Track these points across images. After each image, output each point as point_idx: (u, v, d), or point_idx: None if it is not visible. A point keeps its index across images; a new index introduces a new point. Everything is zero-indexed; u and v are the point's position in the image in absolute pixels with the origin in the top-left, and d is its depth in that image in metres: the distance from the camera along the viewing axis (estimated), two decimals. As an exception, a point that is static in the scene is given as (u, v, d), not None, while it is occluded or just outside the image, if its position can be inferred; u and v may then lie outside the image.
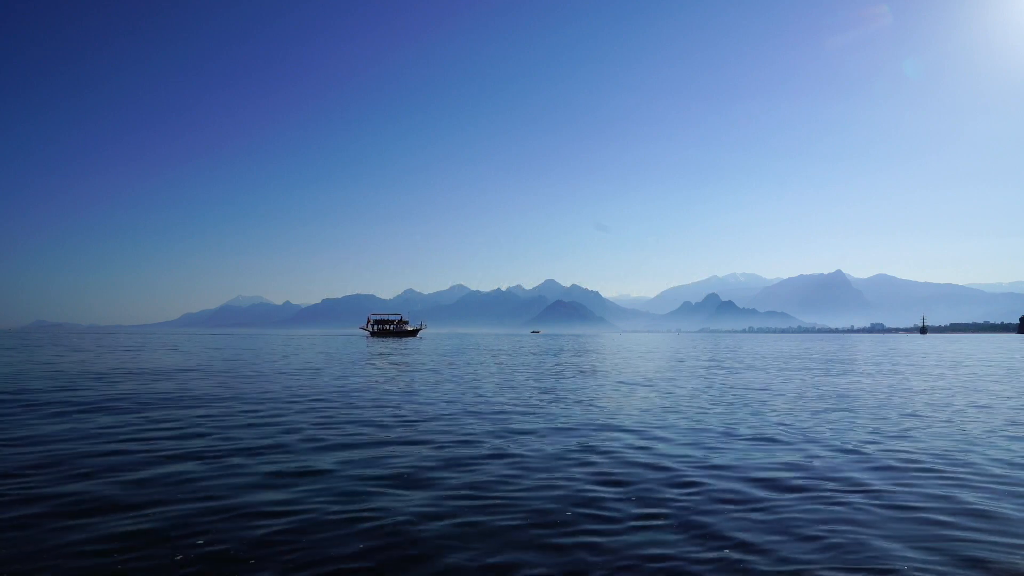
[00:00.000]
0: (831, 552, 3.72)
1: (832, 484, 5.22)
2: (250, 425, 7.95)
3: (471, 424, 8.26)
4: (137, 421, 8.21)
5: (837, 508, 4.58)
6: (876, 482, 5.32)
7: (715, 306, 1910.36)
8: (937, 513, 4.49)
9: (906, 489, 5.11)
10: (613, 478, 5.38)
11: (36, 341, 52.74)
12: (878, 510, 4.54)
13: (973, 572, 3.49)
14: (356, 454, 6.26)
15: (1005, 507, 4.64)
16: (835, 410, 9.97)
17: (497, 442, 6.94)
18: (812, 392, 12.94)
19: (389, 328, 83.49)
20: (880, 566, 3.52)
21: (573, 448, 6.64)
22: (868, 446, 6.87)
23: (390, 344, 47.25)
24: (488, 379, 15.75)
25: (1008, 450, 6.75)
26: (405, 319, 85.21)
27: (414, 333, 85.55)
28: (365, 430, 7.69)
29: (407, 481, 5.20)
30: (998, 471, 5.77)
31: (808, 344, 59.42)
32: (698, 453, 6.44)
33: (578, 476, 5.42)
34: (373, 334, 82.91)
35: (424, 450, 6.51)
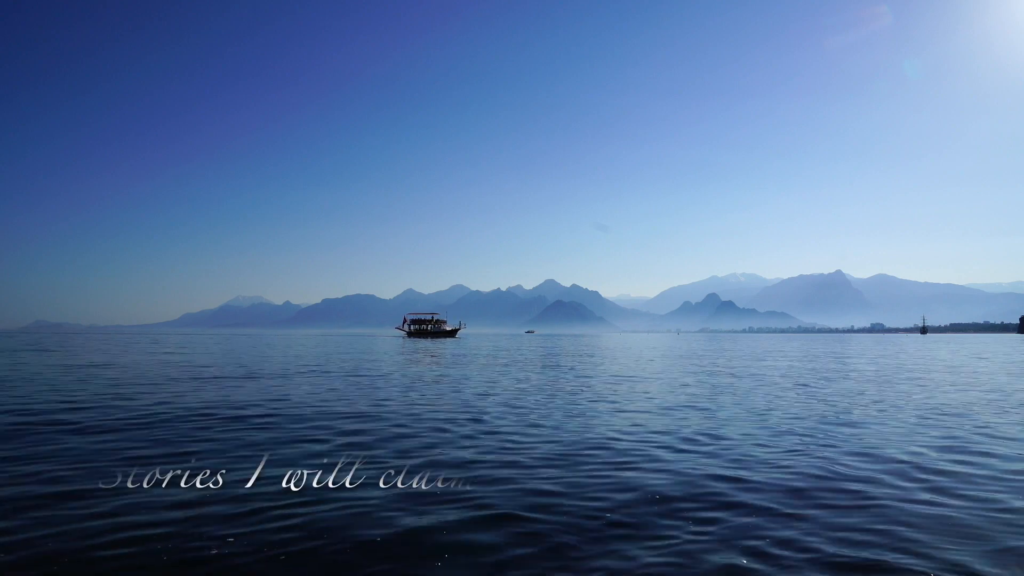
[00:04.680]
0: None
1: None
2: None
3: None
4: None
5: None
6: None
7: (715, 306, 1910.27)
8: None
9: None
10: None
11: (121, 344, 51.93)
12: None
13: None
14: None
15: None
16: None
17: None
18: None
19: (426, 328, 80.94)
20: None
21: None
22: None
23: (462, 347, 44.06)
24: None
25: None
26: (442, 318, 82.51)
27: (453, 333, 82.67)
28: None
29: None
30: None
31: (844, 347, 53.04)
32: None
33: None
34: (410, 334, 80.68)
35: None
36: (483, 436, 7.84)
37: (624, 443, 7.36)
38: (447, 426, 8.58)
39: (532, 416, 9.63)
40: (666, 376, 18.29)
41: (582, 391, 13.63)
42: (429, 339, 68.72)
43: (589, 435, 7.91)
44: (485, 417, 9.45)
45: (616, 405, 11.19)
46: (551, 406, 10.93)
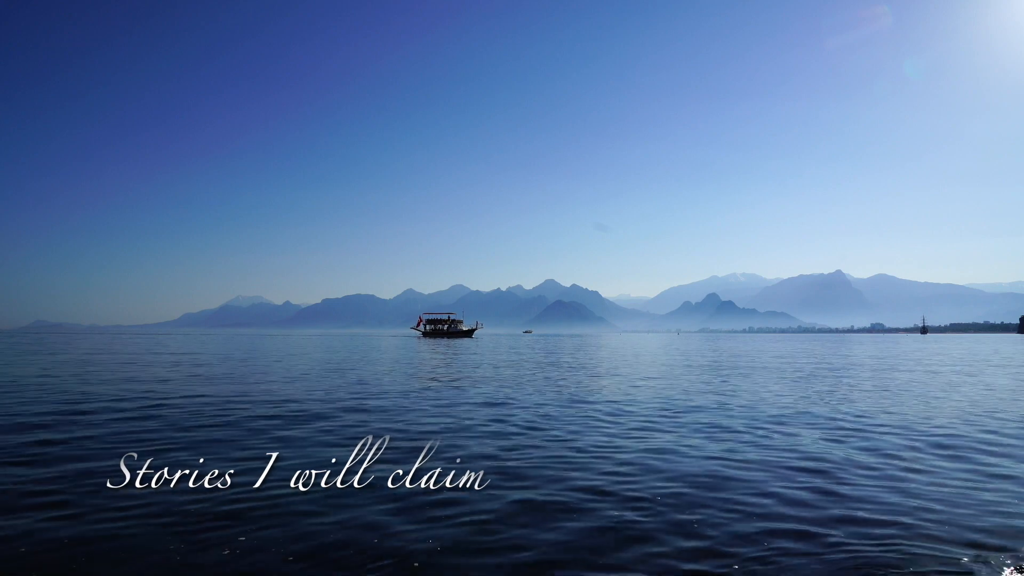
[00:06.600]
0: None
1: None
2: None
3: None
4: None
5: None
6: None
7: (715, 306, 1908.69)
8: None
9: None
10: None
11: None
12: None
13: None
14: None
15: None
16: None
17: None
18: None
19: (442, 328, 79.84)
20: None
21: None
22: None
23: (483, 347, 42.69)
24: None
25: None
26: (459, 318, 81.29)
27: (469, 333, 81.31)
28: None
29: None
30: None
31: (873, 348, 49.28)
32: None
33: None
34: (425, 334, 79.94)
35: None
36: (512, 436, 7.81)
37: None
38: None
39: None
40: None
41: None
42: (446, 339, 67.80)
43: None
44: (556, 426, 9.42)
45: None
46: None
